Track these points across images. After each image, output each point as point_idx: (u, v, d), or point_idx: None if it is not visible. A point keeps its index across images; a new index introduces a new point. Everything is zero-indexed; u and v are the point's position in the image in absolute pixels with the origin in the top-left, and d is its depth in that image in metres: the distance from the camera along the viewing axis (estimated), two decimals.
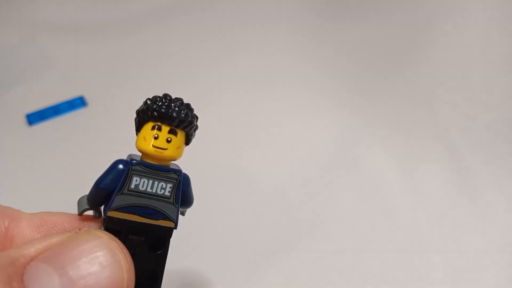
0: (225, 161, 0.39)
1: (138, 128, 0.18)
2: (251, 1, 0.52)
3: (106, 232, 0.16)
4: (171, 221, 0.18)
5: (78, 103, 0.43)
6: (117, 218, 0.17)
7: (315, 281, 0.32)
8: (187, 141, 0.18)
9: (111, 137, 0.39)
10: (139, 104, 0.18)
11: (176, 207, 0.18)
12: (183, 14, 0.51)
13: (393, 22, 0.46)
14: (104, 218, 0.17)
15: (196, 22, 0.51)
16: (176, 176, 0.18)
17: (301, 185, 0.37)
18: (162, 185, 0.17)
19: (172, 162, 0.18)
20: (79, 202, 0.18)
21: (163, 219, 0.18)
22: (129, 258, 0.15)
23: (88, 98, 0.43)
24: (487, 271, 0.32)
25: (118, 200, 0.17)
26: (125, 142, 0.36)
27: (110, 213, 0.17)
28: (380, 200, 0.36)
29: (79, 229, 0.15)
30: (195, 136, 0.19)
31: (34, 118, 0.42)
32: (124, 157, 0.18)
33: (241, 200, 0.36)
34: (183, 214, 0.20)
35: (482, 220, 0.35)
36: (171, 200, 0.18)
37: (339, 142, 0.40)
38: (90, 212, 0.18)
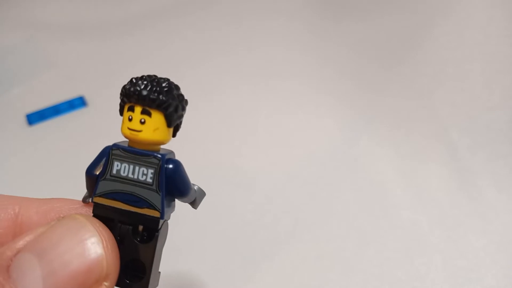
0: (224, 160, 0.39)
1: (120, 113, 0.18)
2: (250, 3, 0.52)
3: (85, 215, 0.16)
4: (156, 210, 0.16)
5: (78, 103, 0.43)
6: (102, 205, 0.17)
7: (315, 281, 0.32)
8: (169, 123, 0.17)
9: (111, 137, 0.39)
10: None
11: (159, 194, 0.16)
12: (183, 14, 0.51)
13: (393, 22, 0.46)
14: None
15: (196, 21, 0.51)
16: (157, 161, 0.16)
17: (300, 185, 0.37)
18: (143, 170, 0.16)
19: (163, 147, 0.17)
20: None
21: (147, 207, 0.17)
22: (108, 236, 0.15)
23: (88, 98, 0.43)
24: (487, 271, 0.32)
25: (102, 186, 0.17)
26: (125, 142, 0.36)
27: (95, 199, 0.17)
28: (380, 200, 0.36)
29: (62, 216, 0.16)
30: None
31: (34, 118, 0.42)
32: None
33: (240, 199, 0.36)
34: (194, 206, 0.19)
35: (482, 220, 0.35)
36: (153, 187, 0.16)
37: (339, 142, 0.40)
38: None
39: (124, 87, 0.17)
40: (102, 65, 0.47)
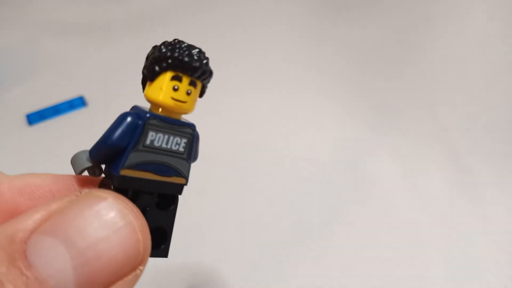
0: (226, 162, 0.39)
1: (152, 78, 0.16)
2: (251, 3, 0.52)
3: (110, 192, 0.14)
4: (183, 177, 0.17)
5: (78, 103, 0.43)
6: (129, 177, 0.15)
7: (315, 281, 0.32)
8: (202, 94, 0.17)
9: None
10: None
11: (188, 163, 0.17)
12: (183, 15, 0.51)
13: (393, 22, 0.46)
14: (111, 177, 0.16)
15: (196, 23, 0.51)
16: (191, 131, 0.17)
17: (300, 185, 0.37)
18: (177, 140, 0.16)
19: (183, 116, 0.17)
20: (76, 160, 0.16)
21: (175, 175, 0.16)
22: (141, 217, 0.14)
23: (88, 98, 0.43)
24: (487, 271, 0.32)
25: (133, 157, 0.15)
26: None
27: (124, 172, 0.15)
28: (380, 200, 0.36)
29: (80, 192, 0.14)
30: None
31: (34, 118, 0.42)
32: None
33: (242, 200, 0.36)
34: None
35: (482, 220, 0.35)
36: (184, 156, 0.16)
37: (340, 142, 0.40)
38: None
39: (171, 54, 0.16)
40: (102, 65, 0.47)
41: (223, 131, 0.41)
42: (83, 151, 0.16)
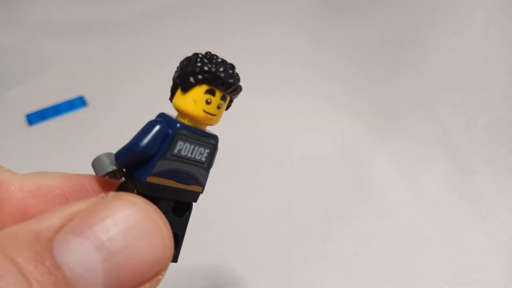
0: (227, 162, 0.39)
1: (186, 88, 0.16)
2: (251, 4, 0.52)
3: (139, 197, 0.14)
4: (200, 186, 0.17)
5: (78, 103, 0.43)
6: (154, 184, 0.16)
7: (315, 281, 0.32)
8: (228, 107, 0.18)
9: (111, 137, 0.39)
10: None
11: (207, 172, 0.17)
12: (183, 15, 0.51)
13: (393, 22, 0.46)
14: (134, 182, 0.16)
15: (196, 23, 0.51)
16: (214, 142, 0.17)
17: (300, 184, 0.37)
18: (201, 150, 0.17)
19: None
20: (99, 162, 0.16)
21: (194, 184, 0.17)
22: (168, 224, 0.14)
23: (88, 98, 0.43)
24: (487, 271, 0.32)
25: (160, 165, 0.16)
26: (125, 142, 0.36)
27: (150, 179, 0.15)
28: (381, 200, 0.36)
29: (105, 194, 0.14)
30: None
31: (34, 118, 0.42)
32: None
33: (242, 200, 0.36)
34: None
35: (482, 220, 0.35)
36: (205, 166, 0.17)
37: (341, 143, 0.40)
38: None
39: (205, 68, 0.16)
40: (102, 65, 0.47)
41: (224, 132, 0.41)
42: (106, 154, 0.16)
